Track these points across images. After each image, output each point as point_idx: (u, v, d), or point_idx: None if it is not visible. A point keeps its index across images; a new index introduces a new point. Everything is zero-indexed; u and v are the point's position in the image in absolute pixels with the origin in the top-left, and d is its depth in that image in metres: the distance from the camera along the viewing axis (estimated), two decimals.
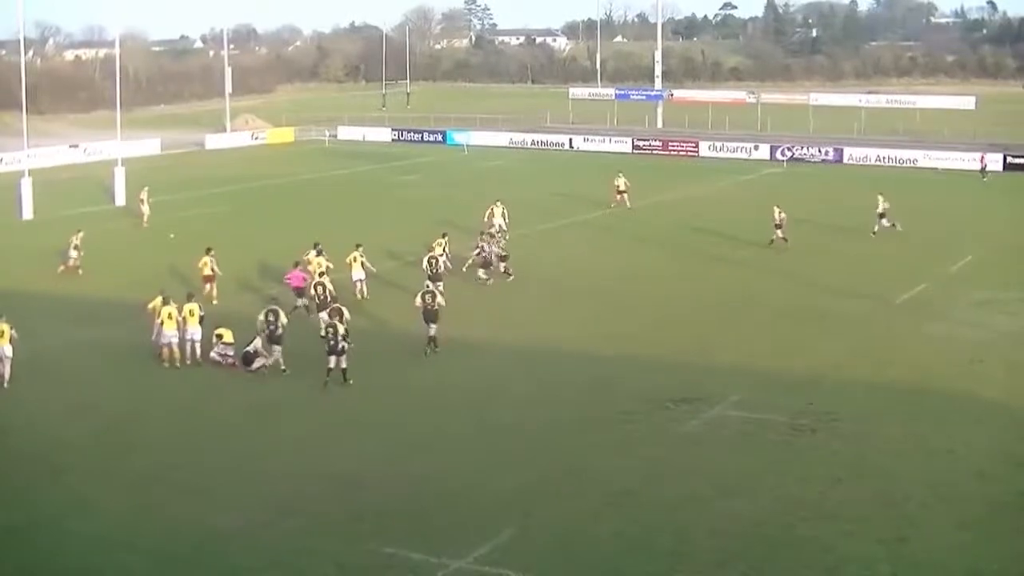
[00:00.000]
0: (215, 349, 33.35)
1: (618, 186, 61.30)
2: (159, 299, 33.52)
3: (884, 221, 51.84)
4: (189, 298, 34.18)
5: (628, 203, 60.37)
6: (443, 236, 43.12)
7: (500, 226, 48.27)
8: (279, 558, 20.97)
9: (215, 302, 38.85)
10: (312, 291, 36.96)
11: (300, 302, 37.93)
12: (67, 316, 39.04)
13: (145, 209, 57.37)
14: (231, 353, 33.13)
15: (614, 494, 23.73)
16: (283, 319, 32.41)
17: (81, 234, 46.24)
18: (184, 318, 33.16)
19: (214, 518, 22.62)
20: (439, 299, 33.97)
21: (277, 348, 32.36)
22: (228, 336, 33.47)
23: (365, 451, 26.52)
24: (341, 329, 31.05)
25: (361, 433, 27.87)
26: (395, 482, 24.40)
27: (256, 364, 32.36)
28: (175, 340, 33.03)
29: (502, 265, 43.08)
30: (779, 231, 49.58)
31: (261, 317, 32.52)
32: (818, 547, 21.20)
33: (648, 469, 25.13)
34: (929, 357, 33.67)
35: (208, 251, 40.82)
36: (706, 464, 25.38)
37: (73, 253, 45.66)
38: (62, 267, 45.51)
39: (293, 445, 26.92)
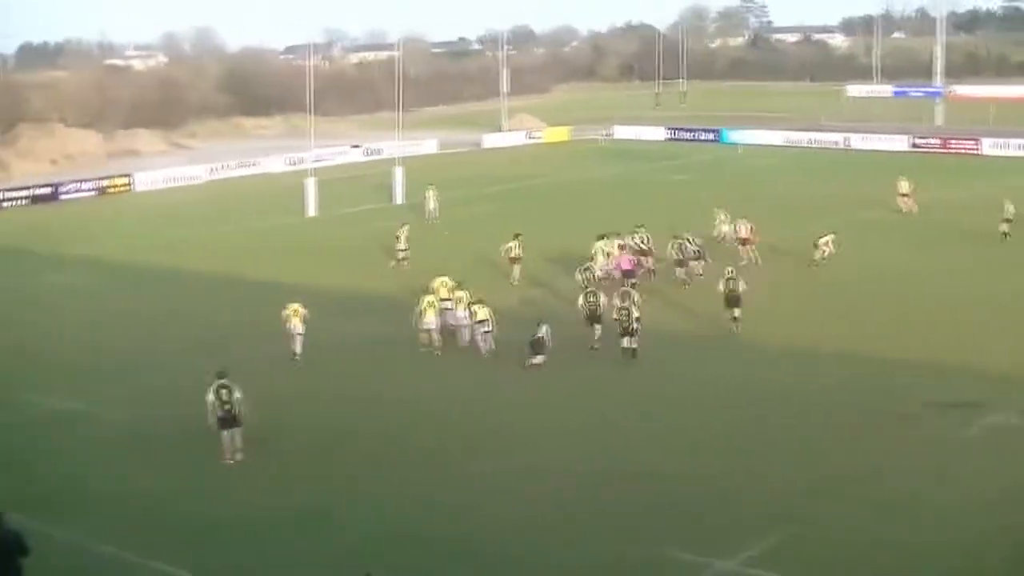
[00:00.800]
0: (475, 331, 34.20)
1: (902, 190, 58.11)
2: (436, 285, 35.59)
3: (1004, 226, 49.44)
4: (459, 286, 35.56)
5: (908, 207, 57.35)
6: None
7: (722, 232, 48.14)
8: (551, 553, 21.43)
9: (514, 283, 42.40)
10: (593, 276, 38.75)
11: (630, 282, 38.62)
12: (360, 308, 40.63)
13: (430, 206, 59.30)
14: (487, 330, 33.84)
15: (893, 500, 23.33)
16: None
17: (406, 228, 47.78)
18: (454, 304, 34.64)
19: (481, 512, 23.42)
20: (742, 284, 35.98)
21: None
22: (482, 313, 34.03)
23: (635, 446, 26.83)
24: (635, 312, 32.91)
25: (631, 427, 28.14)
26: (669, 479, 24.67)
27: (535, 359, 32.66)
28: (433, 327, 34.40)
29: (678, 270, 42.64)
30: (1005, 225, 49.02)
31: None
32: None
33: (927, 474, 24.58)
34: None
35: (516, 236, 43.74)
36: (988, 470, 24.77)
37: (401, 247, 46.81)
38: (392, 262, 46.89)
39: (564, 439, 27.47)
